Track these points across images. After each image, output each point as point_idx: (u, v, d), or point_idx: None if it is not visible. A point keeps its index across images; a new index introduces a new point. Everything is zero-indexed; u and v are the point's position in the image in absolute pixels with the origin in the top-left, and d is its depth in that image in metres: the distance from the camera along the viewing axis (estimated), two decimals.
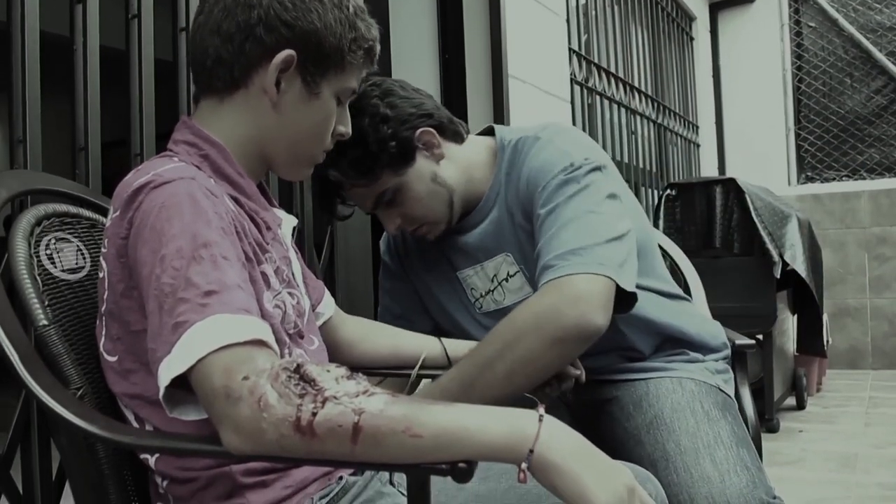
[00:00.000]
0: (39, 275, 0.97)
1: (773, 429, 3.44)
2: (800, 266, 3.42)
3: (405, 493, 0.96)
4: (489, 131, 1.42)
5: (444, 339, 1.33)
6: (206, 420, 0.80)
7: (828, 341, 4.15)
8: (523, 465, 0.75)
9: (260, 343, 0.78)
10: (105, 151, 1.37)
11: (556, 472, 0.76)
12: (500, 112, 2.62)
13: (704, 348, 1.42)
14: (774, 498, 1.21)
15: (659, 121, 4.40)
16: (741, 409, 1.43)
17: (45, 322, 0.93)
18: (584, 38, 3.46)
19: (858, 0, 5.09)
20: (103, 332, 0.93)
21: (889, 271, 4.86)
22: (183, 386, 0.78)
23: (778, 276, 3.39)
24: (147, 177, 0.87)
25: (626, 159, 3.85)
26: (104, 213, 1.08)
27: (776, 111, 5.32)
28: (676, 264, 2.10)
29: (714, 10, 5.48)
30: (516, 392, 1.12)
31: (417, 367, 1.29)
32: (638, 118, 4.08)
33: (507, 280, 1.35)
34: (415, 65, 2.58)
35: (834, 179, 5.21)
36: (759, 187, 3.72)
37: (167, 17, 1.58)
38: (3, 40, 1.25)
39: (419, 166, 1.29)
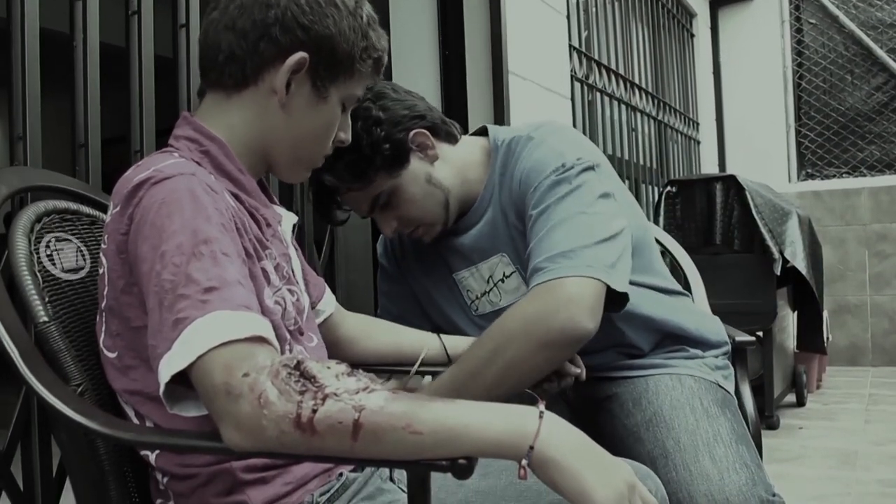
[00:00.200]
0: (39, 271, 0.97)
1: (772, 426, 3.45)
2: (800, 263, 3.42)
3: (405, 489, 0.97)
4: (482, 131, 1.42)
5: (443, 336, 1.33)
6: (207, 416, 0.80)
7: (828, 338, 4.15)
8: (523, 462, 0.75)
9: (260, 340, 0.78)
10: (105, 148, 1.37)
11: (556, 469, 0.76)
12: (500, 109, 2.62)
13: (704, 344, 1.42)
14: (774, 495, 1.21)
15: (659, 117, 4.39)
16: (741, 406, 1.43)
17: (46, 318, 0.93)
18: (584, 34, 3.45)
19: None
20: (103, 328, 0.93)
21: (889, 268, 4.86)
22: (183, 382, 0.78)
23: (778, 273, 3.39)
24: (147, 173, 0.87)
25: (626, 156, 3.85)
26: (104, 209, 1.08)
27: (777, 108, 5.31)
28: (677, 261, 2.10)
29: (714, 7, 5.47)
30: (507, 395, 1.12)
31: (417, 364, 1.29)
32: (638, 115, 4.08)
33: (503, 281, 1.35)
34: (415, 61, 2.58)
35: (834, 176, 5.20)
36: (760, 184, 3.72)
37: (167, 13, 1.58)
38: (4, 37, 1.25)
39: (413, 168, 1.29)
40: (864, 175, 5.11)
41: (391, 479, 1.04)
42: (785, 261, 3.39)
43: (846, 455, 3.01)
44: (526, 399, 1.09)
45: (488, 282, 1.36)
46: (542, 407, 0.78)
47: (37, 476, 1.23)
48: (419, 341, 1.32)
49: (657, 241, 1.71)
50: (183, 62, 1.58)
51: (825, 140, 5.22)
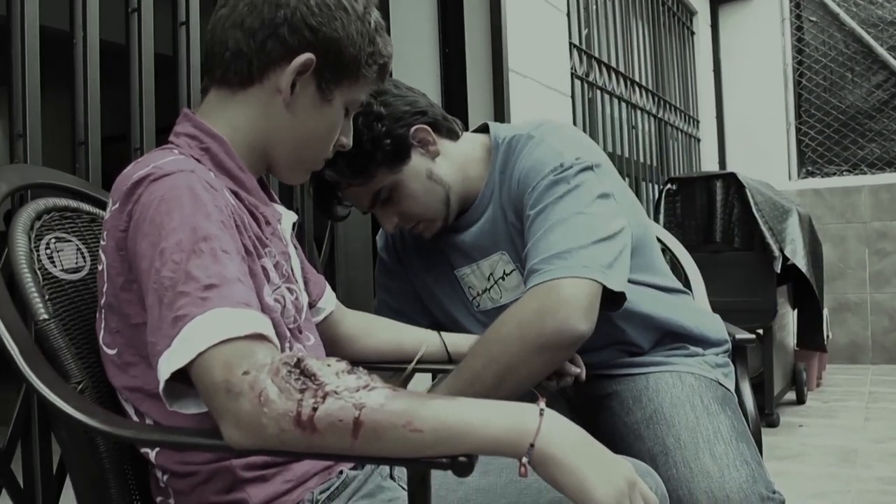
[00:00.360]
0: (39, 269, 0.97)
1: (772, 423, 3.45)
2: (800, 261, 3.42)
3: (405, 487, 0.97)
4: (484, 128, 1.42)
5: (443, 334, 1.33)
6: (207, 414, 0.80)
7: (828, 336, 4.15)
8: (524, 460, 0.75)
9: (260, 337, 0.78)
10: (105, 146, 1.37)
11: (556, 466, 0.76)
12: (500, 107, 2.62)
13: (704, 342, 1.42)
14: (774, 492, 1.21)
15: (659, 115, 4.39)
16: (741, 404, 1.43)
17: (46, 316, 0.93)
18: (584, 32, 3.45)
19: None
20: (103, 325, 0.93)
21: (889, 266, 4.86)
22: (183, 380, 0.78)
23: (778, 271, 3.39)
24: (146, 169, 0.87)
25: (626, 154, 3.85)
26: (104, 207, 1.08)
27: (777, 106, 5.31)
28: (677, 259, 2.10)
29: (715, 5, 5.47)
30: (506, 399, 1.12)
31: (415, 361, 1.29)
32: (638, 113, 4.08)
33: (503, 278, 1.35)
34: (415, 59, 2.58)
35: (834, 174, 5.20)
36: (760, 182, 3.72)
37: (167, 11, 1.58)
38: (3, 35, 1.25)
39: (414, 164, 1.29)
40: (865, 173, 5.10)
41: (391, 477, 1.04)
42: (785, 258, 3.39)
43: (846, 453, 3.01)
44: (526, 396, 1.09)
45: (489, 279, 1.36)
46: (542, 404, 0.78)
47: (37, 474, 1.23)
48: (420, 339, 1.32)
49: (657, 238, 1.71)
50: (183, 60, 1.57)
51: (825, 138, 5.22)
